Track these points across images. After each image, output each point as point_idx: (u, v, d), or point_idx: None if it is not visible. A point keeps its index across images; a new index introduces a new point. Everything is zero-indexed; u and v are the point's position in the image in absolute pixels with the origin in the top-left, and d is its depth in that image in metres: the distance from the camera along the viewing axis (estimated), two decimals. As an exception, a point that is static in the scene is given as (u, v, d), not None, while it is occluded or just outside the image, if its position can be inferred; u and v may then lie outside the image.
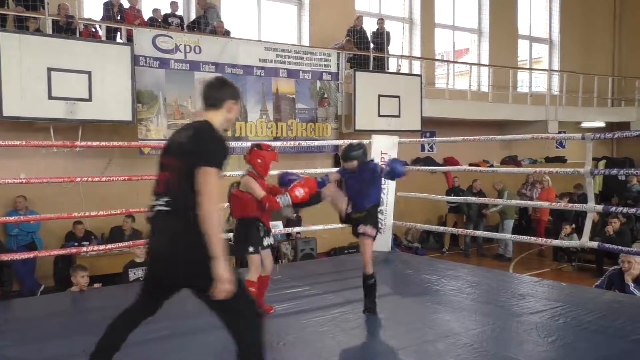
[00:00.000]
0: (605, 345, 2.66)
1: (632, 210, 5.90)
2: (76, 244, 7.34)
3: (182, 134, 2.53)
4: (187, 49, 8.13)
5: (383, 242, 6.26)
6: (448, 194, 10.74)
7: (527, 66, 14.34)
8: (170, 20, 8.74)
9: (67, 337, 3.61)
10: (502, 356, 3.18)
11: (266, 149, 3.98)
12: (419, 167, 9.93)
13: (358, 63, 10.10)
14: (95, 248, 6.10)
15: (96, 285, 5.24)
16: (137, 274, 5.67)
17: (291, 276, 5.28)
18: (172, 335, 3.54)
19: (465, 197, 9.48)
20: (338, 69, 9.83)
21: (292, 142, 7.80)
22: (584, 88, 13.56)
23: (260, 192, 3.81)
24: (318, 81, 9.58)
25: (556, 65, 14.74)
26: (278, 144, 8.25)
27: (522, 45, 14.51)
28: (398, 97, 9.99)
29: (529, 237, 7.12)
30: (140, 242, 5.68)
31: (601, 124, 14.28)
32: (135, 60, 7.52)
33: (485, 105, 12.14)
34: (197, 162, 2.33)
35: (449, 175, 11.79)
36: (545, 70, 14.37)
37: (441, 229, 9.91)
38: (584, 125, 14.00)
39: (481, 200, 8.90)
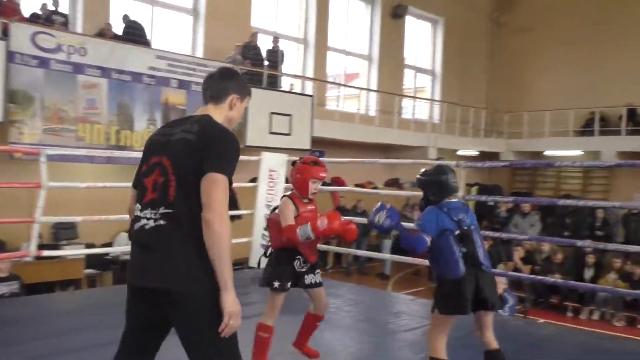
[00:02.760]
0: (469, 359, 2.86)
1: (497, 234, 6.42)
2: None
3: (179, 129, 2.00)
4: (71, 49, 7.67)
5: (264, 260, 6.26)
6: (334, 212, 11.01)
7: (412, 94, 15.19)
8: (53, 17, 8.22)
9: None
10: None
11: (308, 162, 3.22)
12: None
13: (251, 79, 10.13)
14: (-50, 260, 5.50)
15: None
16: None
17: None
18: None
19: (350, 218, 9.75)
20: (231, 84, 9.77)
21: (179, 155, 7.60)
22: (461, 118, 14.63)
23: (285, 219, 3.06)
24: (210, 94, 9.46)
25: (437, 95, 15.77)
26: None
27: (408, 74, 15.37)
28: (290, 115, 10.13)
29: (406, 257, 7.48)
30: (3, 255, 5.21)
31: (475, 153, 15.44)
32: (10, 57, 6.96)
33: (372, 129, 12.67)
34: (206, 167, 1.87)
35: (335, 195, 12.10)
36: (427, 99, 15.31)
37: (324, 247, 10.09)
38: (459, 153, 15.04)
39: (363, 220, 9.20)
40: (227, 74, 2.18)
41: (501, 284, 5.42)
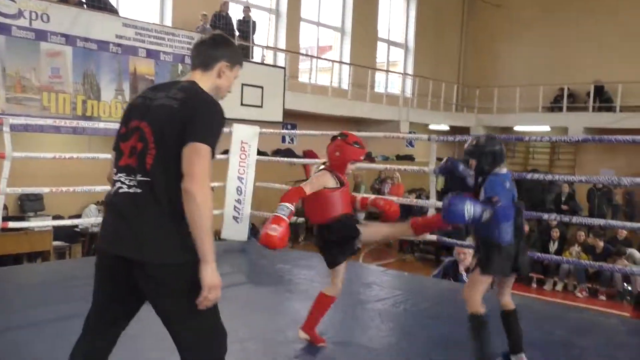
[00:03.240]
0: (437, 329, 2.93)
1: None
2: None
3: (163, 94, 1.91)
4: (33, 15, 7.37)
5: (240, 232, 6.25)
6: (306, 186, 11.03)
7: (385, 68, 15.15)
8: (14, -19, 7.87)
9: None
10: (347, 342, 3.35)
11: (350, 142, 3.13)
12: (278, 158, 10.05)
13: (222, 49, 9.96)
14: None
15: None
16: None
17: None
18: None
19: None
20: (201, 54, 9.60)
21: (149, 126, 7.46)
22: (433, 93, 14.69)
23: (307, 186, 3.04)
24: (180, 64, 9.26)
25: (410, 70, 15.77)
26: (134, 126, 7.87)
27: (381, 48, 15.31)
28: (261, 87, 10.01)
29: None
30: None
31: (446, 128, 15.57)
32: (-32, 22, 6.69)
33: (345, 102, 12.63)
34: (188, 136, 1.79)
35: (307, 168, 12.10)
36: (400, 73, 15.30)
37: (297, 219, 10.10)
38: (431, 127, 15.16)
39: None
40: (218, 40, 2.08)
41: (469, 256, 5.53)
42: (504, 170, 3.01)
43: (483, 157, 2.98)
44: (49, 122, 7.15)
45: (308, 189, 3.02)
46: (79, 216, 8.53)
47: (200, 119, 1.83)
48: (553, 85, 14.86)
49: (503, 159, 3.01)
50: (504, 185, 2.92)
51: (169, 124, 1.83)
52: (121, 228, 1.86)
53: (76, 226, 8.41)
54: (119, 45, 8.33)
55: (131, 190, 1.85)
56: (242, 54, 2.14)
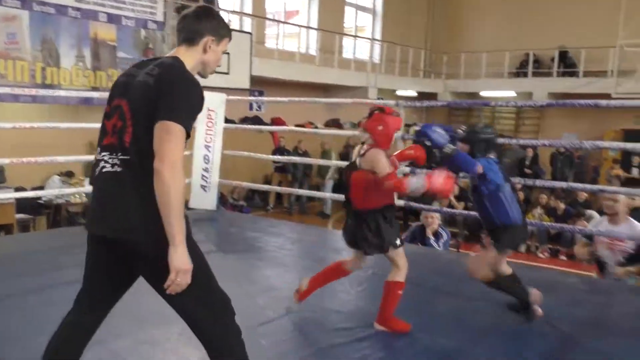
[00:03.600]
0: (406, 292, 2.99)
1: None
2: None
3: (142, 72, 1.87)
4: (-15, -22, 7.04)
5: (209, 201, 6.22)
6: (274, 153, 11.00)
7: (353, 33, 15.01)
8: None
9: None
10: (317, 307, 3.39)
11: (390, 113, 3.01)
12: (246, 125, 9.97)
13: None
14: None
15: None
16: None
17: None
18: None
19: (290, 157, 9.77)
20: (165, 18, 9.32)
21: (112, 94, 7.26)
22: (401, 59, 14.66)
23: (385, 168, 2.88)
24: (142, 29, 8.99)
25: (378, 35, 15.67)
26: (96, 94, 7.65)
27: (349, 13, 15.13)
28: (227, 53, 9.81)
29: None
30: None
31: (414, 93, 15.62)
32: None
33: (313, 68, 12.52)
34: (160, 114, 1.73)
35: (275, 135, 12.04)
36: (368, 38, 15.19)
37: (266, 187, 10.13)
38: (399, 93, 15.18)
39: (306, 160, 9.25)
40: (203, 13, 1.99)
41: (436, 220, 5.63)
42: (492, 156, 3.16)
43: (477, 144, 3.12)
44: (7, 90, 6.89)
45: (390, 168, 2.91)
46: (42, 188, 8.34)
47: (174, 96, 1.77)
48: (518, 51, 14.99)
49: (495, 146, 3.17)
50: (496, 167, 3.09)
51: (143, 101, 1.80)
52: (104, 208, 1.86)
53: (39, 198, 8.23)
54: (78, 9, 8.01)
55: (113, 169, 1.83)
56: (229, 26, 2.05)
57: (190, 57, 1.95)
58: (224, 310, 1.93)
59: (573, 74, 14.04)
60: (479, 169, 3.03)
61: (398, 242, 2.99)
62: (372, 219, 2.94)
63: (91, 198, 1.96)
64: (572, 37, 14.02)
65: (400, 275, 3.01)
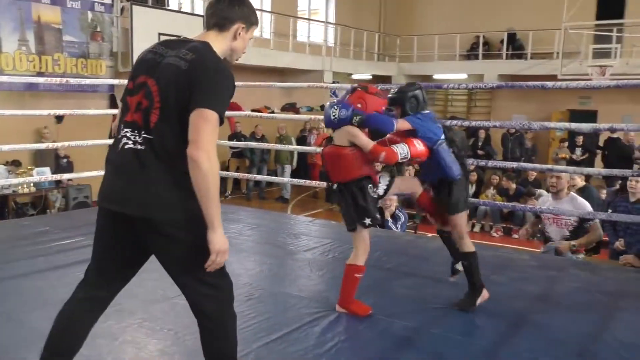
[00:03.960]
0: (365, 274, 3.03)
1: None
2: None
3: (173, 53, 1.84)
4: None
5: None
6: (230, 139, 10.87)
7: (306, 16, 14.90)
8: None
9: None
10: (278, 292, 3.40)
11: (373, 92, 3.01)
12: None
13: (135, -4, 9.40)
14: None
15: None
16: None
17: (61, 227, 4.86)
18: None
19: (247, 142, 9.70)
20: (112, 1, 9.02)
21: (59, 79, 7.00)
22: (355, 42, 14.68)
23: (367, 141, 2.90)
24: (89, 12, 8.69)
25: (332, 18, 15.62)
26: (42, 80, 7.37)
27: (302, -4, 15.01)
28: (179, 36, 9.60)
29: (304, 180, 7.62)
30: None
31: (368, 77, 15.69)
32: None
33: (267, 52, 12.39)
34: (196, 101, 1.75)
35: (231, 121, 11.89)
36: (322, 21, 15.12)
37: (224, 173, 9.99)
38: (354, 76, 15.22)
39: (263, 145, 9.19)
40: (235, 1, 1.98)
41: (394, 202, 5.70)
42: (427, 111, 3.12)
43: (406, 101, 3.05)
44: (-56, 76, 6.55)
45: (372, 141, 2.93)
46: (-14, 178, 7.99)
47: (209, 84, 1.78)
48: (469, 34, 15.23)
49: (426, 101, 3.11)
50: (427, 121, 3.05)
51: (174, 85, 1.79)
52: (125, 185, 1.84)
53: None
54: (18, -9, 7.67)
55: (136, 147, 1.82)
56: (255, 12, 2.04)
57: (220, 43, 1.94)
58: (228, 295, 1.97)
59: (521, 56, 14.40)
60: (401, 125, 2.95)
61: (367, 221, 2.95)
62: (353, 190, 2.94)
63: (108, 174, 1.92)
64: (520, 20, 14.34)
65: (359, 259, 3.03)
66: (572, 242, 4.56)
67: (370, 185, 2.97)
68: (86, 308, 1.98)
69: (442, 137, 3.09)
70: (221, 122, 1.80)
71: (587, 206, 4.65)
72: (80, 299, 1.99)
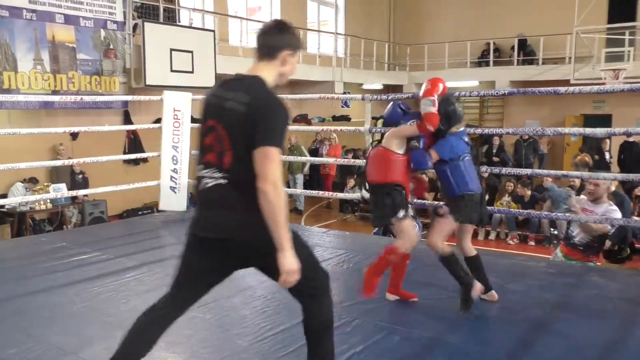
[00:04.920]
0: (380, 284, 3.02)
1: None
2: None
3: (232, 95, 2.07)
4: None
5: (178, 202, 6.15)
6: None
7: (316, 28, 14.99)
8: None
9: None
10: (293, 304, 3.37)
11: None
12: (214, 124, 9.87)
13: (147, 13, 9.52)
14: None
15: None
16: None
17: (78, 242, 4.91)
18: None
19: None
20: (125, 18, 9.15)
21: (74, 97, 7.11)
22: (365, 52, 14.72)
23: (410, 127, 3.18)
24: (102, 30, 8.82)
25: (341, 29, 15.69)
26: (57, 98, 7.49)
27: (311, 8, 15.10)
28: (191, 52, 9.70)
29: (317, 191, 7.62)
30: None
31: (379, 86, 15.71)
32: None
33: (278, 64, 12.45)
34: (258, 140, 1.97)
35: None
36: (331, 32, 15.20)
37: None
38: (365, 86, 15.25)
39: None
40: (280, 28, 2.21)
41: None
42: (460, 128, 3.23)
43: (441, 119, 3.13)
44: (-37, 96, 6.68)
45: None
46: (5, 195, 8.10)
47: (267, 122, 1.99)
48: (479, 41, 15.22)
49: (458, 118, 3.20)
50: (448, 142, 3.17)
51: (239, 128, 2.02)
52: (213, 215, 2.11)
53: (2, 206, 8.00)
54: (33, 11, 7.82)
55: (217, 183, 2.07)
56: (299, 37, 2.29)
57: (270, 71, 2.17)
58: (324, 284, 2.26)
59: (532, 62, 14.34)
60: (432, 161, 3.16)
61: (401, 213, 3.13)
62: (384, 192, 3.15)
63: (197, 208, 2.20)
64: (530, 26, 14.30)
65: (398, 244, 3.19)
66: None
67: (404, 192, 3.17)
68: (162, 321, 2.20)
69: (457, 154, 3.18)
70: (283, 152, 2.05)
71: (618, 214, 4.41)
72: (158, 310, 2.20)
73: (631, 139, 10.97)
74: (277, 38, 2.17)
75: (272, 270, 2.06)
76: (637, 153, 10.70)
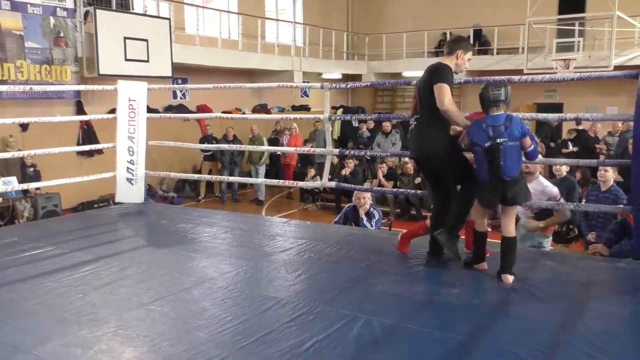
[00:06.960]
0: (342, 273, 3.04)
1: (362, 153, 6.70)
2: None
3: (424, 74, 3.64)
4: None
5: (136, 194, 6.02)
6: (202, 142, 10.78)
7: (274, 17, 14.87)
8: None
9: None
10: (254, 294, 3.38)
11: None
12: (171, 114, 9.69)
13: (98, 0, 9.25)
14: None
15: None
16: None
17: (31, 237, 4.75)
18: None
19: (218, 145, 9.63)
20: (75, 5, 8.86)
21: (22, 87, 6.85)
22: (324, 42, 14.71)
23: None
24: (51, 17, 8.51)
25: (299, 18, 15.61)
26: (4, 88, 7.20)
27: (269, -4, 14.96)
28: (146, 40, 9.48)
29: (278, 180, 7.60)
30: None
31: (338, 76, 15.74)
32: None
33: (236, 53, 12.33)
34: (433, 81, 3.48)
35: (202, 123, 11.79)
36: (290, 21, 15.11)
37: (195, 176, 9.92)
38: (324, 76, 15.25)
39: (234, 147, 9.14)
40: (457, 39, 3.85)
41: (368, 200, 5.73)
42: (497, 112, 3.41)
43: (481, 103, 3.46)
44: None
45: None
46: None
47: (437, 73, 3.57)
48: (436, 31, 15.40)
49: (489, 101, 3.41)
50: (470, 129, 3.44)
51: (424, 86, 3.63)
52: (414, 143, 3.74)
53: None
54: (-23, -3, 7.48)
55: (414, 123, 3.72)
56: (472, 44, 3.96)
57: (449, 62, 3.67)
58: (470, 197, 3.62)
59: (487, 52, 14.61)
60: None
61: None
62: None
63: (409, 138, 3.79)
64: (485, 16, 14.56)
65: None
66: (540, 223, 4.68)
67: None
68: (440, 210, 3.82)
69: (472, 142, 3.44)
70: (450, 87, 3.51)
71: (555, 190, 4.72)
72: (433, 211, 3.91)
73: (581, 127, 11.34)
74: (454, 43, 3.72)
75: (444, 172, 3.71)
76: (586, 140, 11.06)
